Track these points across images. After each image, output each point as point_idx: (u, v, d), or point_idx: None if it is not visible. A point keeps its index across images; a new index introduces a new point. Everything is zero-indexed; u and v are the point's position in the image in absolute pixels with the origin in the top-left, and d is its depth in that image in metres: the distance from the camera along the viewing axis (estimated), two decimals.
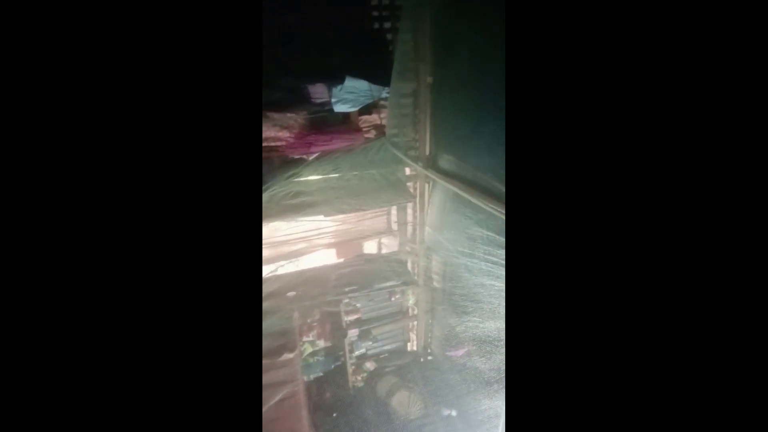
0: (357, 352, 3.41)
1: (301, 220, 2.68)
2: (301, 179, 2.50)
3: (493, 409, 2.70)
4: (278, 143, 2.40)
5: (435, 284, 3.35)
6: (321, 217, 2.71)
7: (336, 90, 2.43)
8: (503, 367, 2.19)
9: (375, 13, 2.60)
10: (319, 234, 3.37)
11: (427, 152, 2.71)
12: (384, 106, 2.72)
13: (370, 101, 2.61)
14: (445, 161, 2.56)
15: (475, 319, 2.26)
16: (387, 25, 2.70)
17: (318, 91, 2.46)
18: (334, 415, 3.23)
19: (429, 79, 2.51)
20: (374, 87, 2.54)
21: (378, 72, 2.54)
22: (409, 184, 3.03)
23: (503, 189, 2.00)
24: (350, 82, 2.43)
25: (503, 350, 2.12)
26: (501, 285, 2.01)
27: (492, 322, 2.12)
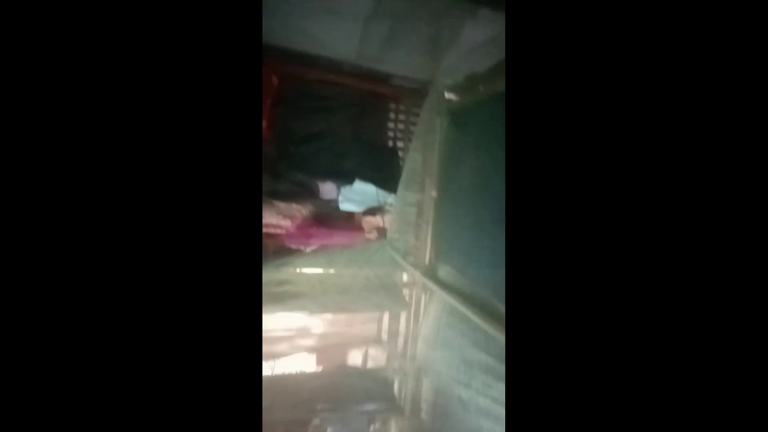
0: None
1: (285, 315, 2.47)
2: (291, 269, 2.41)
3: None
4: (277, 231, 2.41)
5: (423, 415, 2.83)
6: (306, 313, 2.51)
7: (345, 189, 2.56)
8: None
9: (390, 133, 2.93)
10: (303, 334, 3.07)
11: (427, 261, 2.66)
12: (388, 211, 2.81)
13: (376, 205, 2.71)
14: (444, 272, 2.48)
15: None
16: (400, 144, 3.02)
17: (327, 189, 2.59)
18: None
19: (434, 193, 2.65)
20: (381, 192, 2.67)
21: (387, 180, 2.71)
22: (405, 290, 2.88)
23: (503, 309, 1.86)
24: (359, 185, 2.57)
25: None
26: (501, 430, 1.66)
27: None
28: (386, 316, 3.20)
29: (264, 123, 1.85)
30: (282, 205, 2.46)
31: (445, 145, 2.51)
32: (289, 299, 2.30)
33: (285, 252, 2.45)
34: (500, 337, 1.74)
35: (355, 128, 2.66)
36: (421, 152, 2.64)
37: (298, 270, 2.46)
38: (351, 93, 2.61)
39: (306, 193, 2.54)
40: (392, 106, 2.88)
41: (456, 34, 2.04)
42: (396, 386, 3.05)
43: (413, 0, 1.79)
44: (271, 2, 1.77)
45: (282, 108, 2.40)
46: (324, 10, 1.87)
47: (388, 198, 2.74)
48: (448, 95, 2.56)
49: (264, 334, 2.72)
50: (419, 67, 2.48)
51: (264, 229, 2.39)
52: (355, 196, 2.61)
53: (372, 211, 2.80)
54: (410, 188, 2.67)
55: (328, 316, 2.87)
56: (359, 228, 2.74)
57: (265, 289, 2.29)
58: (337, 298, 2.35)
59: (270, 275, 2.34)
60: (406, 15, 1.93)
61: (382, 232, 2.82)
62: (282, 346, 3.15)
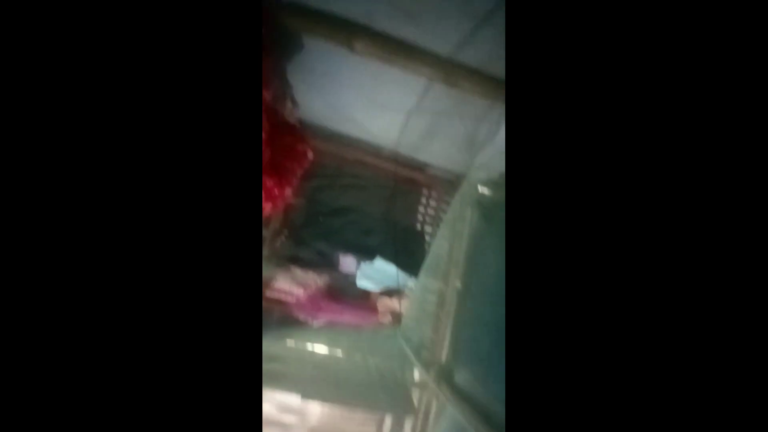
0: None
1: (274, 393, 2.20)
2: (287, 344, 2.21)
3: None
4: (288, 298, 2.31)
5: None
6: (298, 397, 2.23)
7: (364, 265, 2.48)
8: None
9: (419, 217, 2.93)
10: (295, 422, 2.70)
11: (443, 359, 2.36)
12: (407, 296, 2.64)
13: (394, 286, 2.57)
14: (461, 376, 2.17)
15: None
16: (428, 229, 2.99)
17: (347, 263, 2.53)
18: None
19: (458, 284, 2.49)
20: (402, 275, 2.56)
21: (409, 263, 2.62)
22: (413, 391, 2.52)
23: None
24: (380, 263, 2.50)
25: None
26: None
27: None
28: (389, 419, 2.76)
29: (289, 189, 1.95)
30: (299, 272, 2.42)
31: (473, 237, 2.43)
32: (272, 380, 2.03)
33: (290, 322, 2.31)
34: None
35: (385, 207, 2.71)
36: (448, 240, 2.56)
37: (294, 347, 2.26)
38: (386, 174, 2.72)
39: (326, 263, 2.50)
40: (425, 191, 2.94)
41: (492, 134, 2.13)
42: None
43: (454, 100, 1.93)
44: (321, 85, 2.00)
45: (316, 180, 2.53)
46: (371, 100, 2.07)
47: (408, 281, 2.61)
48: (481, 189, 2.58)
49: None
50: (455, 160, 2.58)
51: (275, 294, 2.31)
52: (374, 273, 2.52)
53: (389, 293, 2.64)
54: (433, 275, 2.53)
55: (320, 406, 2.53)
56: (373, 309, 2.57)
57: None
58: (323, 389, 2.05)
59: (264, 346, 2.17)
60: (446, 112, 2.07)
61: (396, 317, 2.61)
62: (271, 430, 2.77)
